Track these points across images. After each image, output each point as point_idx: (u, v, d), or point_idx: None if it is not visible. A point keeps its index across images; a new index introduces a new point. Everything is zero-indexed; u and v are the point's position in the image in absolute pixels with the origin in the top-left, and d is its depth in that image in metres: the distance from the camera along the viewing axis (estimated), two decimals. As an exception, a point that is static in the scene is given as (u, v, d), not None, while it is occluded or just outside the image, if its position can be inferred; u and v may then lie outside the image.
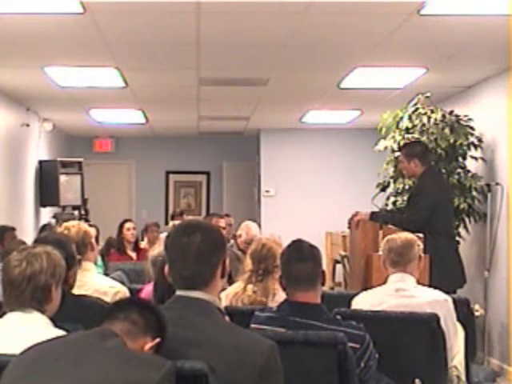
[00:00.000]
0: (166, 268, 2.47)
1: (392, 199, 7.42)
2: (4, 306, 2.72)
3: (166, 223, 11.80)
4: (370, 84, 7.59)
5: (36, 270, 2.67)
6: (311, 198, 11.62)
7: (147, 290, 3.87)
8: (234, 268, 4.67)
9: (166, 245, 2.48)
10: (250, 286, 4.02)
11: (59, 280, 2.75)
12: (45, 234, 4.69)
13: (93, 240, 4.22)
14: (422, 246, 4.15)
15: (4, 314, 2.70)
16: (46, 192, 10.13)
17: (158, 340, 2.23)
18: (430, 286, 4.42)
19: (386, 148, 7.50)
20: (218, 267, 2.45)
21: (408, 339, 3.67)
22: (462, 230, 7.22)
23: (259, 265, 4.05)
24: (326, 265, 9.22)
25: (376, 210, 5.93)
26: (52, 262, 2.72)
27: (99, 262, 6.63)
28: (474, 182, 7.11)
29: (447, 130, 7.06)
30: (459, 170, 7.17)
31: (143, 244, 8.39)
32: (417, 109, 7.25)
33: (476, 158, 7.27)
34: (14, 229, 5.99)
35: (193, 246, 2.40)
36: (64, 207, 10.36)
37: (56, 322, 2.71)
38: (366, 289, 4.33)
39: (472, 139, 7.19)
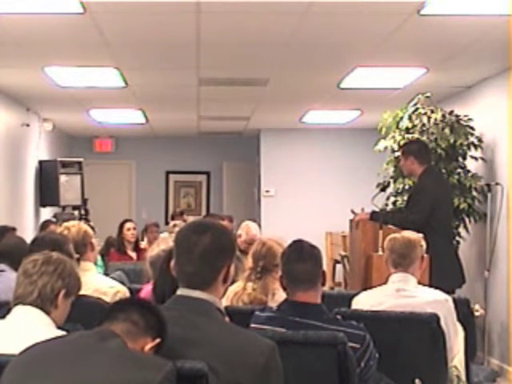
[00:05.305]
0: (173, 262, 2.48)
1: (392, 199, 7.42)
2: (13, 298, 2.75)
3: (166, 223, 11.80)
4: (370, 84, 7.59)
5: (50, 269, 2.75)
6: (311, 198, 11.62)
7: (146, 290, 3.87)
8: (234, 268, 4.66)
9: (175, 239, 2.49)
10: (249, 284, 4.03)
11: (70, 290, 2.78)
12: (43, 234, 4.70)
13: (93, 240, 4.23)
14: (424, 246, 4.14)
15: (9, 311, 2.72)
16: (46, 192, 10.13)
17: (158, 340, 2.23)
18: (429, 285, 4.41)
19: (385, 148, 7.50)
20: (222, 271, 2.44)
21: (408, 339, 3.67)
22: (462, 230, 7.22)
23: (258, 262, 4.06)
24: (326, 265, 9.22)
25: (376, 209, 5.93)
26: (67, 270, 2.79)
27: (99, 261, 6.63)
28: (474, 182, 7.12)
29: (447, 130, 7.06)
30: (459, 170, 7.17)
31: (143, 244, 8.40)
32: (417, 109, 7.25)
33: (476, 158, 7.27)
34: (14, 229, 5.98)
35: (200, 244, 2.40)
36: (64, 207, 10.36)
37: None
38: (365, 289, 4.32)
39: (472, 139, 7.19)
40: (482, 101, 7.49)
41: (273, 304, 3.65)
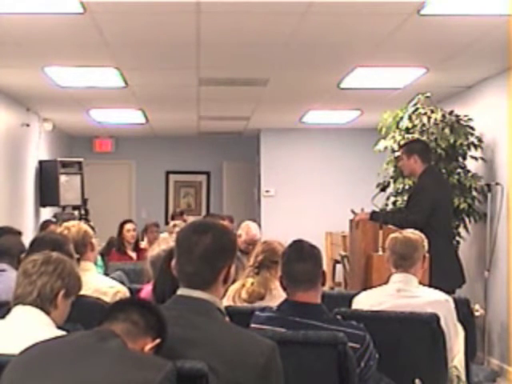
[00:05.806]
0: (173, 262, 2.48)
1: (392, 199, 7.42)
2: (12, 298, 2.76)
3: (166, 223, 11.80)
4: (370, 84, 7.59)
5: (49, 269, 2.75)
6: (311, 198, 11.62)
7: (146, 290, 3.87)
8: (234, 268, 4.69)
9: (176, 238, 2.50)
10: (248, 280, 4.05)
11: (70, 290, 2.78)
12: (43, 234, 4.69)
13: (93, 240, 4.23)
14: (426, 245, 4.12)
15: (9, 310, 2.72)
16: (46, 192, 10.13)
17: (158, 340, 2.23)
18: (429, 285, 4.41)
19: (385, 148, 7.50)
20: (222, 271, 2.44)
21: (408, 339, 3.67)
22: (462, 230, 7.22)
23: (256, 258, 4.08)
24: (326, 265, 9.22)
25: (376, 209, 5.93)
26: (67, 270, 2.79)
27: (99, 261, 6.63)
28: (474, 182, 7.11)
29: (447, 130, 7.06)
30: (459, 170, 7.17)
31: (143, 244, 8.39)
32: (417, 109, 7.25)
33: (476, 158, 7.27)
34: (20, 233, 5.86)
35: (201, 244, 2.41)
36: (64, 207, 10.36)
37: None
38: (365, 289, 4.32)
39: (472, 139, 7.19)
40: (482, 101, 7.48)
41: (271, 301, 3.67)
